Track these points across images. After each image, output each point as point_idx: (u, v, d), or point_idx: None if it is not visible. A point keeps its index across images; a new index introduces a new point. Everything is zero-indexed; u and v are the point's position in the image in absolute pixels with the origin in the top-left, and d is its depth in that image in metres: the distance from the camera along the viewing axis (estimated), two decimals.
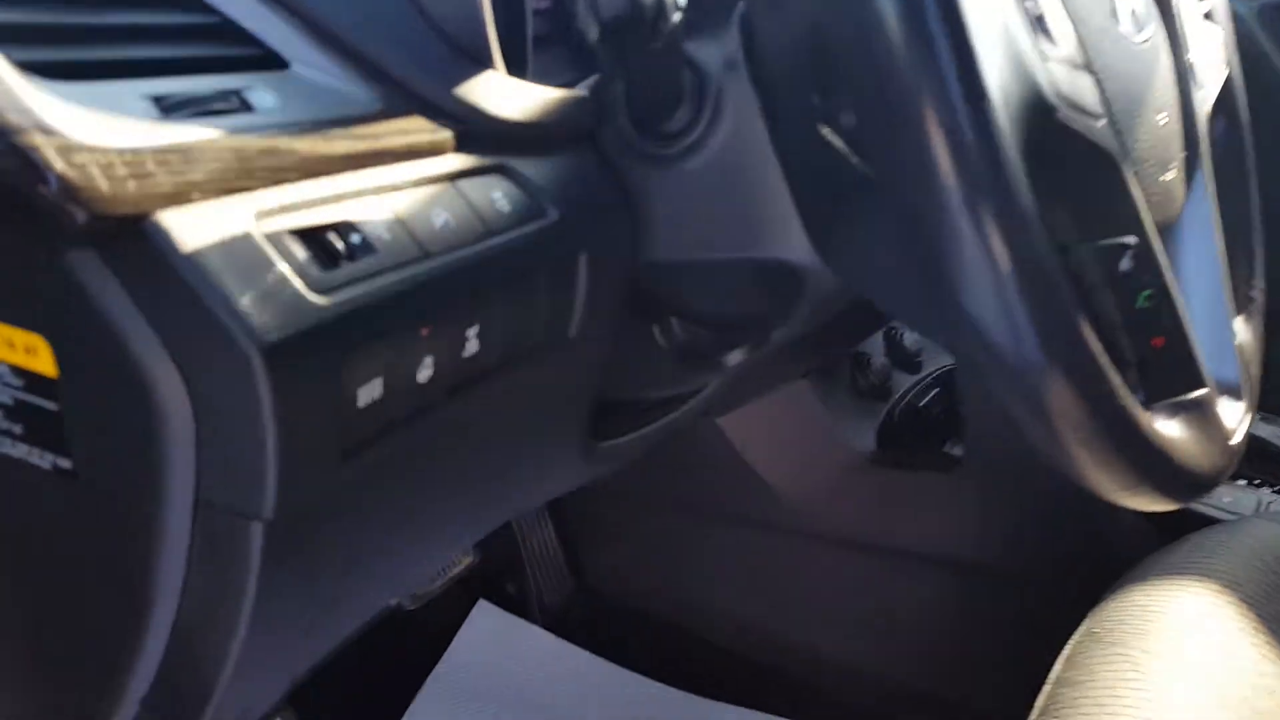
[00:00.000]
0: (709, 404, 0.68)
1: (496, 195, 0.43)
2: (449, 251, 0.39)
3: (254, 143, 0.35)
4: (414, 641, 0.96)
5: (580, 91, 0.49)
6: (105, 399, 0.34)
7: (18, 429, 0.36)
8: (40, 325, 0.33)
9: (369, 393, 0.36)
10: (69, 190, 0.29)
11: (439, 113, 0.43)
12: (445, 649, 0.97)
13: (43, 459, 0.36)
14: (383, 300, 0.36)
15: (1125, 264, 0.38)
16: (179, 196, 0.32)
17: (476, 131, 0.43)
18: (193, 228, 0.31)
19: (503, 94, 0.44)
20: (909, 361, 0.89)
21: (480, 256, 0.40)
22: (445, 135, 0.42)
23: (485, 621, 0.98)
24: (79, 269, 0.32)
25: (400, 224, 0.38)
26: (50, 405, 0.35)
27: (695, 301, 0.53)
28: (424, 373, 0.39)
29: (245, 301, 0.31)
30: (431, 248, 0.39)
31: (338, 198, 0.36)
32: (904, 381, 0.88)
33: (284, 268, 0.33)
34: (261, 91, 0.38)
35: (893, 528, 0.87)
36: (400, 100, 0.42)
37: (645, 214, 0.49)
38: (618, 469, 0.61)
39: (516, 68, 0.49)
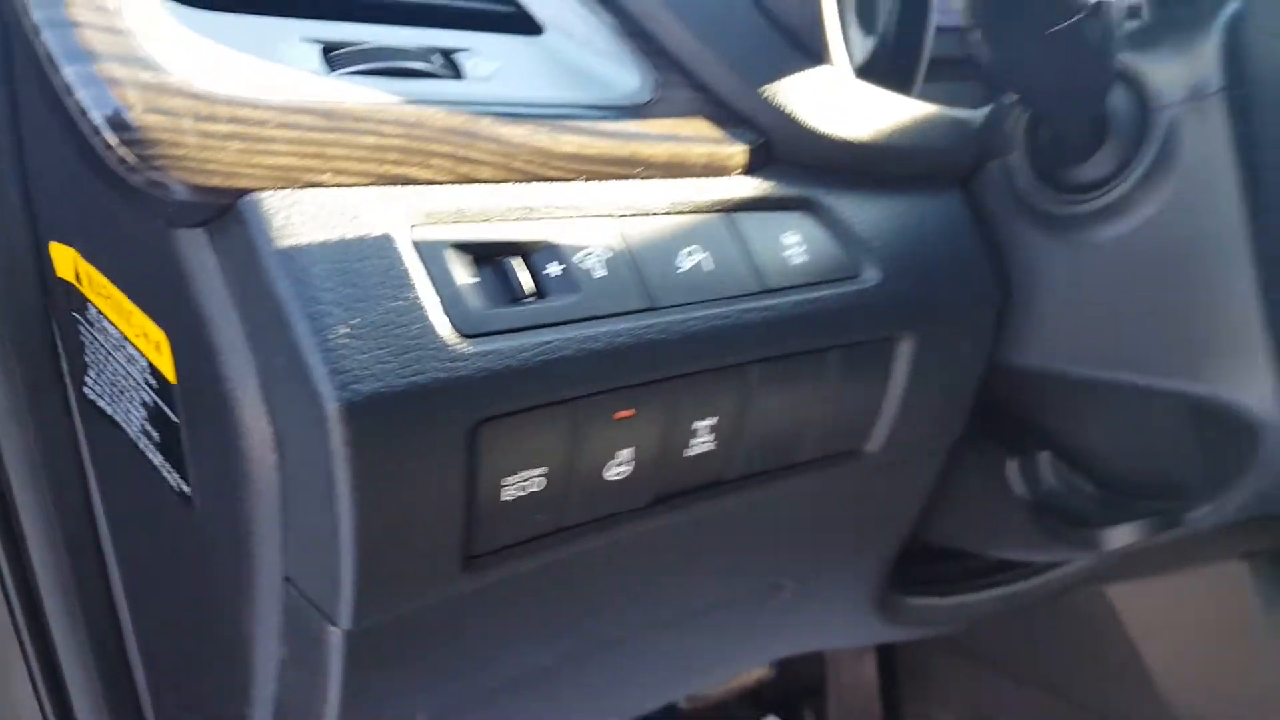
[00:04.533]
0: (1084, 578, 0.49)
1: (790, 240, 0.30)
2: (689, 307, 0.27)
3: (439, 118, 0.26)
4: None
5: (965, 114, 0.35)
6: (210, 422, 0.26)
7: (156, 435, 0.30)
8: (162, 318, 0.27)
9: (523, 485, 0.26)
10: (146, 142, 0.22)
11: (730, 115, 0.31)
12: None
13: (170, 476, 0.30)
14: (563, 361, 0.25)
15: None
16: (300, 174, 0.23)
17: (781, 147, 0.31)
18: (304, 216, 0.23)
19: (830, 98, 0.32)
20: None
21: (738, 322, 0.28)
22: (732, 150, 0.30)
23: None
24: (184, 255, 0.24)
25: (627, 259, 0.27)
26: (173, 417, 0.28)
27: (1079, 437, 0.36)
28: (616, 469, 0.27)
29: (341, 333, 0.22)
30: (663, 298, 0.27)
31: (542, 212, 0.26)
32: None
33: (423, 291, 0.23)
34: (482, 56, 0.29)
35: None
36: (679, 91, 0.31)
37: (1023, 295, 0.34)
38: (941, 632, 0.46)
39: (899, 83, 0.36)
